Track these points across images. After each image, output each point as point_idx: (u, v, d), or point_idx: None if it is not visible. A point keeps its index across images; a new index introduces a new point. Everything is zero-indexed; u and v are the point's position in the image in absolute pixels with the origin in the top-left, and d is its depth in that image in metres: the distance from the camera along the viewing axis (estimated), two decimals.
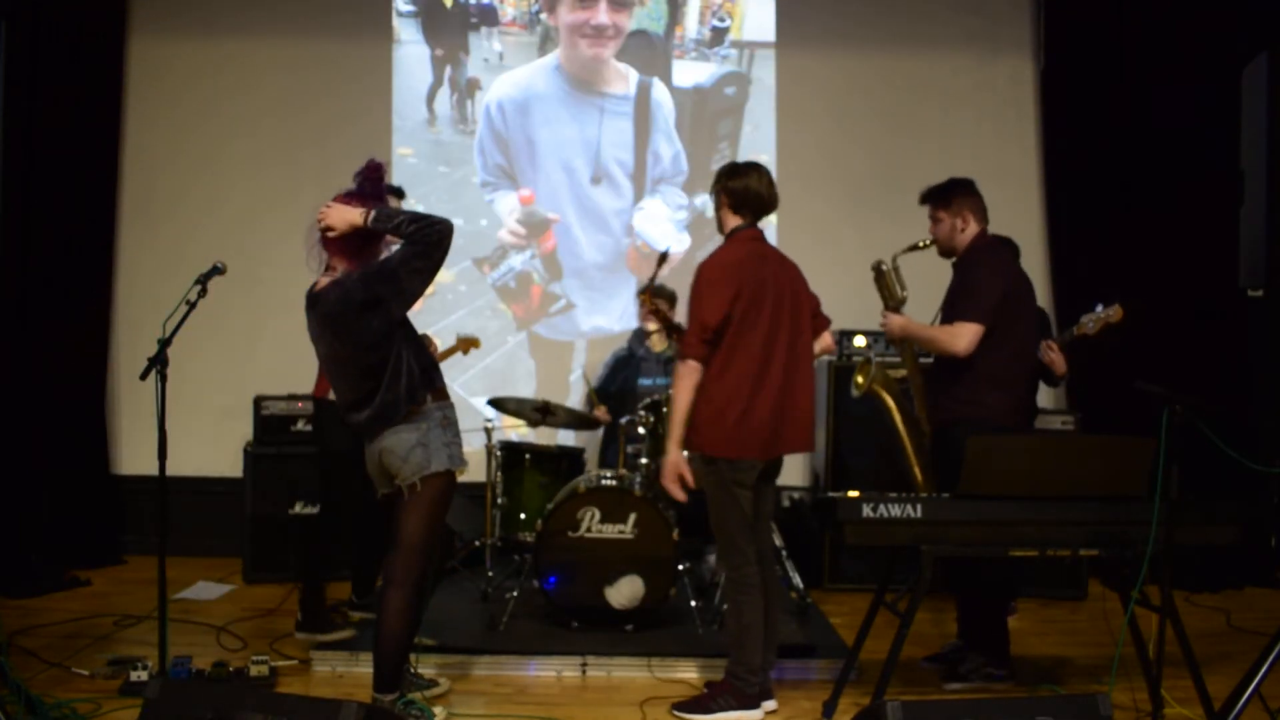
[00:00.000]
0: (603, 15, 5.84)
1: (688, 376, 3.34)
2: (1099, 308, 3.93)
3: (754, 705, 3.40)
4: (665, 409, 4.35)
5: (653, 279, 4.00)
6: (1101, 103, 5.55)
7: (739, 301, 3.32)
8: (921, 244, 3.85)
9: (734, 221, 3.47)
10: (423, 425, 3.12)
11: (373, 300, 3.04)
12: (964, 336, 3.57)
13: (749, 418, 3.33)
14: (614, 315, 5.87)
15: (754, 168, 3.49)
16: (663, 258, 3.87)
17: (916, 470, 3.91)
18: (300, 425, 5.14)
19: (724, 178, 3.48)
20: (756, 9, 5.92)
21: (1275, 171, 3.09)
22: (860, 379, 3.99)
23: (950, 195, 3.76)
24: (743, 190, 3.44)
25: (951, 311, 3.68)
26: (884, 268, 3.87)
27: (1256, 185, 3.18)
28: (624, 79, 5.88)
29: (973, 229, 3.75)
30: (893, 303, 3.88)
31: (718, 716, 3.36)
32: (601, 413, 5.05)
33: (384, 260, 3.09)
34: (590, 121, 5.89)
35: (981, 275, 3.66)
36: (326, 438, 4.13)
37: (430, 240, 3.01)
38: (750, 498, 3.39)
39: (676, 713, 3.41)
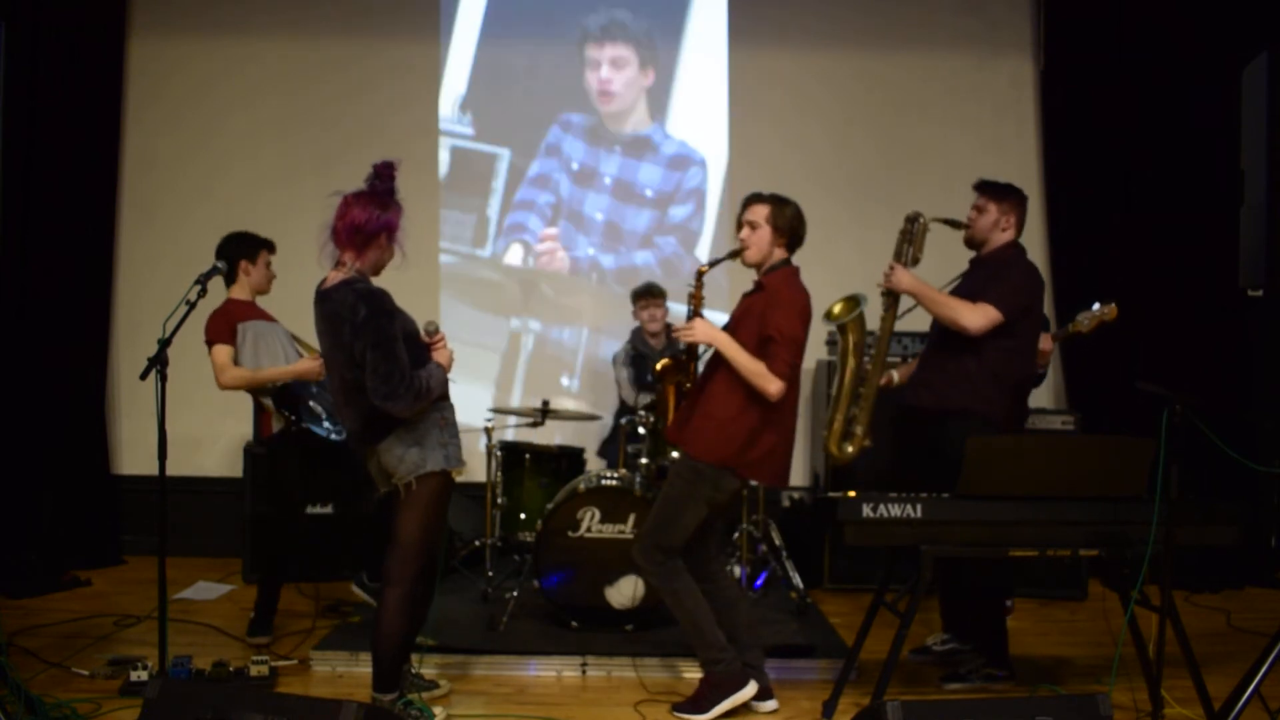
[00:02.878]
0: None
1: (777, 387, 3.25)
2: (1096, 306, 3.96)
3: (743, 683, 3.40)
4: None
5: (715, 263, 3.60)
6: (1102, 103, 5.55)
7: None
8: (961, 222, 3.80)
9: (781, 255, 3.42)
10: (419, 426, 3.12)
11: (360, 327, 3.02)
12: (983, 316, 3.57)
13: (781, 447, 3.37)
14: (614, 316, 5.86)
15: (795, 203, 3.43)
16: (734, 253, 3.50)
17: (839, 419, 3.75)
18: None
19: (779, 206, 3.38)
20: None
21: (1275, 171, 3.09)
22: (838, 310, 3.69)
23: (1008, 193, 3.78)
24: (792, 225, 3.38)
25: (975, 297, 3.66)
26: (921, 220, 3.78)
27: (1256, 185, 3.19)
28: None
29: (1010, 234, 3.78)
30: (904, 259, 3.79)
31: (714, 710, 3.36)
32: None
33: (381, 327, 3.01)
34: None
35: (1018, 274, 3.70)
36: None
37: (415, 391, 3.01)
38: (707, 513, 3.39)
39: (676, 713, 3.41)
